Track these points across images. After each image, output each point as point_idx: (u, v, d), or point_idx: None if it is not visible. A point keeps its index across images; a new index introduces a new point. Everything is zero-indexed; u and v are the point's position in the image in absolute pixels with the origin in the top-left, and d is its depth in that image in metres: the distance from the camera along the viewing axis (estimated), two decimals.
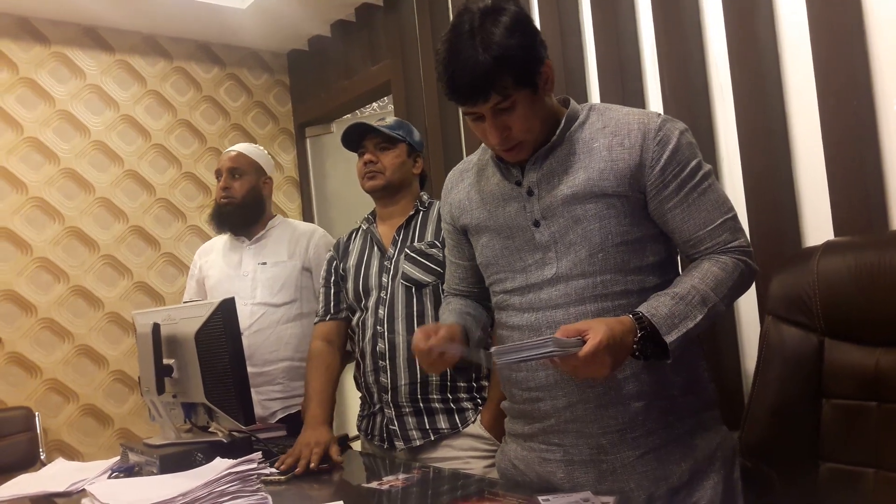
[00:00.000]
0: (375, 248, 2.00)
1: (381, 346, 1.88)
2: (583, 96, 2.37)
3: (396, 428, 1.86)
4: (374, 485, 1.54)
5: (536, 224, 1.34)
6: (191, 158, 3.74)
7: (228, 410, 1.75)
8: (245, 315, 2.27)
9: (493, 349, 1.21)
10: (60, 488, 1.70)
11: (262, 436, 1.90)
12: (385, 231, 2.02)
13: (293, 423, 2.25)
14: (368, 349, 1.91)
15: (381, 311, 1.90)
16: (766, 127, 1.88)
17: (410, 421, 1.85)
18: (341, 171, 3.95)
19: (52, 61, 3.37)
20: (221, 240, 2.54)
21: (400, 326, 1.87)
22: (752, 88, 1.91)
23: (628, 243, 1.30)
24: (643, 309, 1.21)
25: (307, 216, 4.01)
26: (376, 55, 3.44)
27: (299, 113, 4.06)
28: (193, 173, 3.74)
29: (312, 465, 1.69)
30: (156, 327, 1.83)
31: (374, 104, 3.66)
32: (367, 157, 1.98)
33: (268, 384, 2.31)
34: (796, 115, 1.85)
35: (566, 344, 1.11)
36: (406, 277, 1.89)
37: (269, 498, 1.44)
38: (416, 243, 1.93)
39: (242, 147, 2.47)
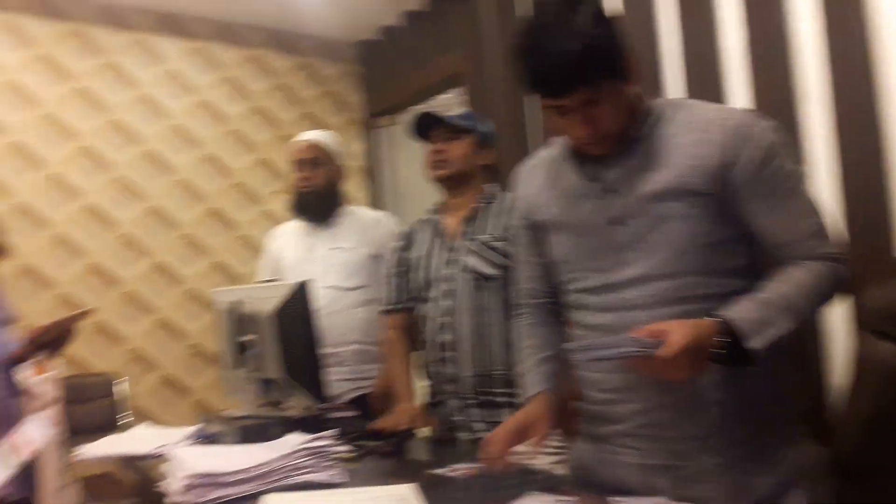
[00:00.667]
0: (441, 238, 2.01)
1: (446, 337, 1.92)
2: (656, 91, 2.33)
3: (461, 418, 1.89)
4: (443, 471, 1.57)
5: (615, 222, 1.30)
6: (266, 145, 3.85)
7: (303, 387, 1.82)
8: (317, 298, 2.34)
9: (570, 346, 1.21)
10: (144, 451, 1.80)
11: (333, 415, 1.97)
12: (451, 222, 2.02)
13: (362, 406, 2.31)
14: (434, 340, 1.95)
15: (445, 303, 1.93)
16: (860, 130, 1.81)
17: (474, 412, 1.89)
18: (411, 161, 3.99)
19: (137, 48, 3.52)
20: (294, 224, 2.61)
21: (465, 318, 1.90)
22: (846, 87, 1.83)
23: (714, 245, 1.25)
24: (727, 312, 1.16)
25: (376, 206, 4.06)
26: (448, 46, 3.45)
27: (370, 103, 4.10)
28: (268, 159, 3.85)
29: (402, 427, 1.83)
30: (235, 305, 1.91)
31: (445, 95, 3.68)
32: (434, 147, 2.01)
33: (338, 365, 2.38)
34: (893, 117, 1.78)
35: (645, 344, 1.09)
36: (470, 270, 1.91)
37: (344, 474, 1.49)
38: (481, 235, 1.93)
39: (318, 136, 2.53)
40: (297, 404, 1.87)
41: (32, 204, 3.22)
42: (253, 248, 3.76)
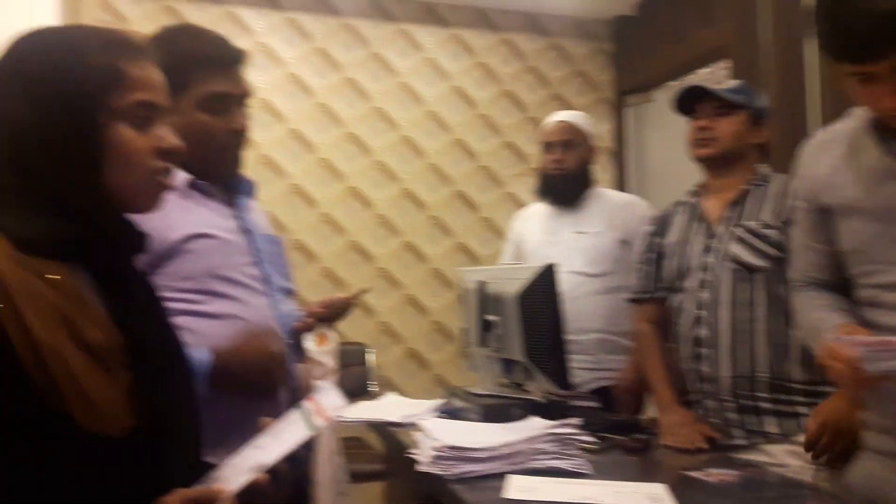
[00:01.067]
0: (700, 223, 1.83)
1: (702, 332, 1.74)
2: None
3: (717, 421, 1.72)
4: (698, 474, 1.44)
5: None
6: (511, 128, 3.88)
7: (545, 372, 1.78)
8: (561, 282, 2.29)
9: (863, 352, 1.04)
10: (394, 418, 1.89)
11: (575, 403, 1.90)
12: (713, 206, 1.83)
13: (605, 396, 2.22)
14: (687, 334, 1.78)
15: (703, 295, 1.75)
16: None
17: (733, 418, 1.70)
18: (662, 141, 3.77)
19: (398, 37, 3.73)
20: (540, 207, 2.58)
21: (724, 313, 1.71)
22: None
23: None
24: None
25: (623, 188, 3.91)
26: (712, 17, 3.19)
27: (621, 81, 3.96)
28: (513, 142, 3.88)
29: (701, 444, 1.63)
30: (481, 285, 1.93)
31: (705, 69, 3.41)
32: (700, 122, 1.81)
33: (580, 353, 2.29)
34: None
35: None
36: (734, 259, 1.71)
37: (588, 465, 1.43)
38: (749, 221, 1.73)
39: (570, 116, 2.46)
40: (538, 388, 1.84)
41: (303, 185, 3.58)
42: (494, 230, 3.83)
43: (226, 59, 1.40)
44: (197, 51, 1.36)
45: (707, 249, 1.78)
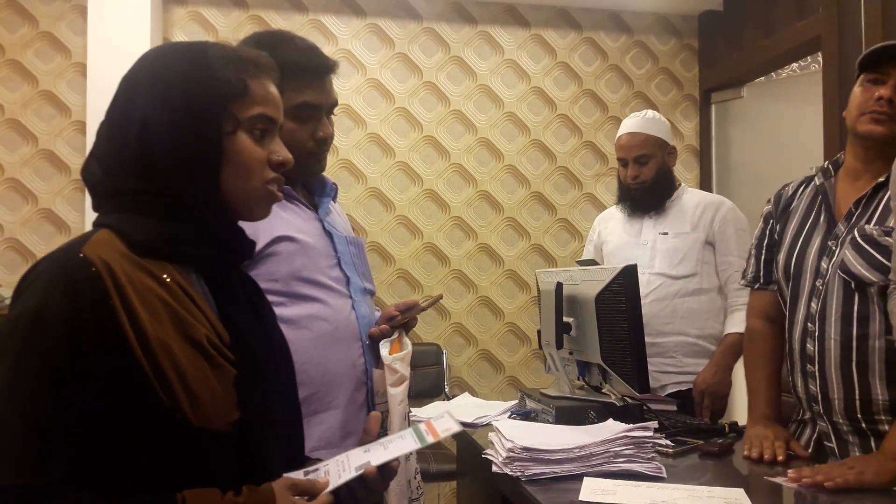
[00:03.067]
0: (825, 215, 1.58)
1: (811, 347, 1.55)
2: None
3: (834, 446, 1.54)
4: (780, 479, 1.38)
5: None
6: (591, 127, 3.83)
7: (623, 375, 1.74)
8: (642, 284, 2.22)
9: None
10: (468, 419, 1.90)
11: (653, 406, 1.86)
12: (846, 195, 1.56)
13: (684, 400, 2.16)
14: (797, 347, 1.58)
15: (813, 304, 1.54)
16: None
17: (853, 440, 1.51)
18: (748, 139, 3.63)
19: (478, 40, 3.75)
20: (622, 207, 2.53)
21: (832, 330, 1.50)
22: None
23: None
24: None
25: (705, 186, 3.79)
26: (805, 8, 3.06)
27: (706, 78, 3.84)
28: (593, 142, 3.83)
29: (780, 457, 1.49)
30: (559, 286, 1.90)
31: (795, 65, 3.26)
32: (883, 91, 1.46)
33: (660, 356, 2.25)
34: None
35: None
36: (844, 269, 1.48)
37: (663, 468, 1.40)
38: (871, 224, 1.47)
39: (639, 125, 2.34)
40: (615, 391, 1.81)
41: (382, 188, 3.64)
42: (571, 231, 3.78)
43: (317, 68, 1.42)
44: (290, 59, 1.37)
45: (824, 250, 1.55)
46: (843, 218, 1.55)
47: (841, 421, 1.52)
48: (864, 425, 1.49)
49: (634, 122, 2.37)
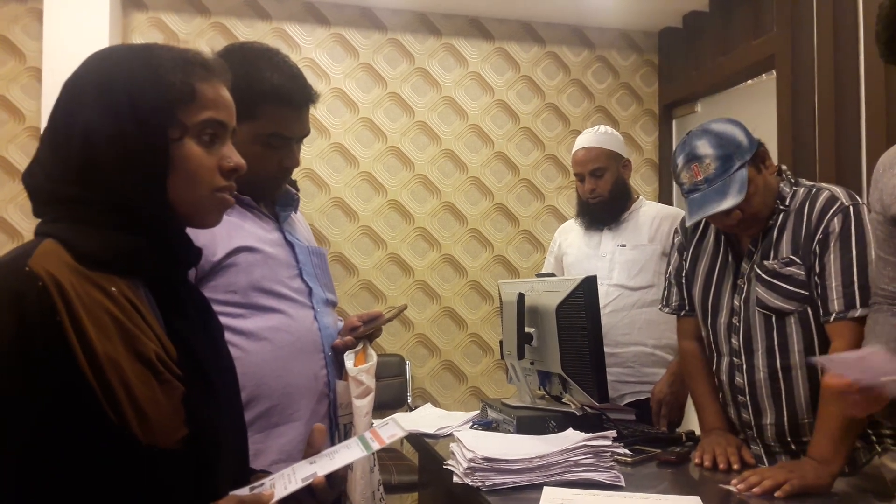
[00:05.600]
0: (732, 253, 1.67)
1: (739, 380, 1.64)
2: None
3: (766, 465, 1.61)
4: (731, 486, 1.42)
5: None
6: (554, 141, 3.88)
7: (582, 385, 1.76)
8: (601, 295, 2.25)
9: (819, 359, 1.02)
10: (429, 430, 1.90)
11: (611, 416, 1.88)
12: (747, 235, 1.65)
13: (642, 409, 2.19)
14: (725, 379, 1.68)
15: (734, 340, 1.64)
16: None
17: (784, 460, 1.60)
18: None
19: (442, 51, 3.77)
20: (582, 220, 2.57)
21: (760, 361, 1.59)
22: None
23: None
24: None
25: (665, 199, 3.87)
26: (761, 28, 3.15)
27: (665, 93, 3.93)
28: (555, 155, 3.88)
29: (735, 465, 1.55)
30: (521, 297, 1.92)
31: (749, 81, 3.36)
32: None
33: (618, 366, 2.28)
34: None
35: None
36: (762, 305, 1.58)
37: (622, 477, 1.42)
38: (770, 260, 1.57)
39: (594, 140, 2.38)
40: (575, 401, 1.83)
41: (345, 199, 3.63)
42: (534, 242, 3.82)
43: (298, 100, 1.40)
44: (272, 85, 1.35)
45: (735, 288, 1.65)
46: (745, 257, 1.63)
47: (773, 444, 1.63)
48: (793, 446, 1.60)
49: (589, 137, 2.41)
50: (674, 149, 1.64)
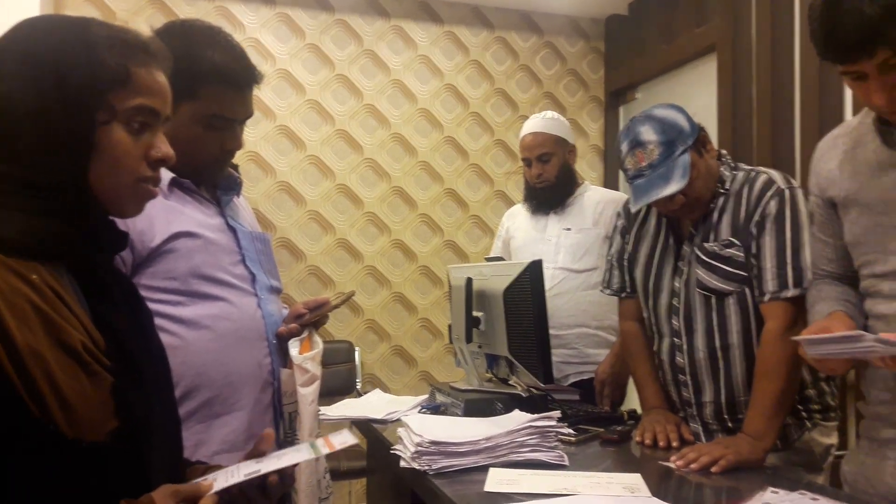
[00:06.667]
0: (673, 237, 1.71)
1: (680, 359, 1.69)
2: None
3: (704, 442, 1.66)
4: (670, 463, 1.46)
5: None
6: (503, 126, 3.90)
7: (529, 367, 1.79)
8: (547, 278, 2.28)
9: (803, 338, 1.09)
10: (378, 415, 1.90)
11: (556, 396, 1.92)
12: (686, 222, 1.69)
13: (586, 389, 2.24)
14: (666, 359, 1.73)
15: (675, 321, 1.69)
16: None
17: (721, 437, 1.65)
18: None
19: (391, 34, 3.74)
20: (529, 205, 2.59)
21: (699, 341, 1.64)
22: None
23: None
24: None
25: (611, 185, 3.93)
26: (703, 16, 3.22)
27: (611, 80, 3.98)
28: (504, 140, 3.89)
29: (674, 443, 1.60)
30: (468, 281, 1.93)
31: (691, 68, 3.43)
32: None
33: (563, 347, 2.33)
34: None
35: (894, 344, 0.96)
36: (702, 286, 1.62)
37: (566, 456, 1.44)
38: (710, 242, 1.62)
39: (541, 125, 2.42)
40: (521, 382, 1.85)
41: (292, 183, 3.58)
42: (484, 227, 3.84)
43: (241, 80, 1.36)
44: (214, 65, 1.31)
45: (676, 271, 1.69)
46: (686, 239, 1.68)
47: (711, 421, 1.68)
48: (730, 424, 1.65)
49: (536, 122, 2.45)
50: (618, 135, 1.67)
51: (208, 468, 0.96)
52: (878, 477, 1.24)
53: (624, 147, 1.61)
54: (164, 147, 0.89)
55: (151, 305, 1.25)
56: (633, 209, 1.65)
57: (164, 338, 1.25)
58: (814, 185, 1.37)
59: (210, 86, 1.32)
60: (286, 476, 0.93)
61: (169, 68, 0.91)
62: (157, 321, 1.26)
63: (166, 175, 1.35)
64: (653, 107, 1.66)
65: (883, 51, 1.05)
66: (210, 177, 1.43)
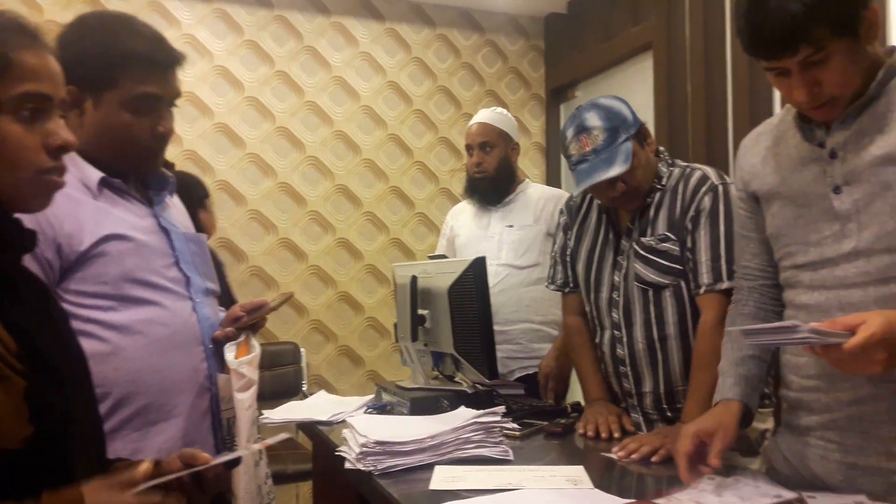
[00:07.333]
0: (612, 232, 1.75)
1: (620, 351, 1.73)
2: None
3: (645, 432, 1.71)
4: (614, 454, 1.49)
5: (837, 190, 1.17)
6: (446, 124, 3.90)
7: (474, 363, 1.79)
8: (491, 275, 2.29)
9: (742, 329, 1.12)
10: (323, 417, 1.87)
11: (501, 391, 1.93)
12: (625, 212, 1.74)
13: (530, 384, 2.26)
14: (607, 351, 1.77)
15: (614, 314, 1.73)
16: None
17: (661, 426, 1.70)
18: None
19: (332, 30, 3.69)
20: (472, 202, 2.61)
21: (638, 333, 1.69)
22: None
23: None
24: None
25: (553, 182, 3.98)
26: (639, 15, 3.29)
27: (551, 78, 4.03)
28: (448, 138, 3.90)
29: (615, 434, 1.63)
30: (413, 279, 1.93)
31: (628, 66, 3.51)
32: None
33: (507, 343, 2.35)
34: None
35: (827, 334, 0.99)
36: (640, 280, 1.67)
37: (510, 451, 1.45)
38: (646, 237, 1.66)
39: (488, 117, 2.48)
40: (466, 379, 1.86)
41: (232, 182, 3.50)
42: (429, 225, 3.84)
43: (161, 60, 1.33)
44: (130, 48, 1.28)
45: (615, 265, 1.73)
46: (624, 234, 1.73)
47: (651, 411, 1.73)
48: (669, 413, 1.70)
49: (485, 114, 2.51)
50: (564, 124, 1.71)
51: (131, 464, 0.92)
52: (803, 463, 1.27)
53: (569, 133, 1.65)
54: (62, 133, 0.84)
55: (82, 311, 1.21)
56: (576, 193, 1.69)
57: (95, 345, 1.21)
58: (738, 179, 1.41)
59: (129, 69, 1.29)
60: (221, 476, 0.91)
61: (54, 49, 0.86)
62: (89, 327, 1.21)
63: (95, 175, 1.31)
64: (598, 97, 1.71)
65: (805, 48, 1.08)
66: (146, 167, 1.39)
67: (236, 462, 0.94)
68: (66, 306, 1.20)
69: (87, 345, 1.21)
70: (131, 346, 1.25)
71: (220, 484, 0.92)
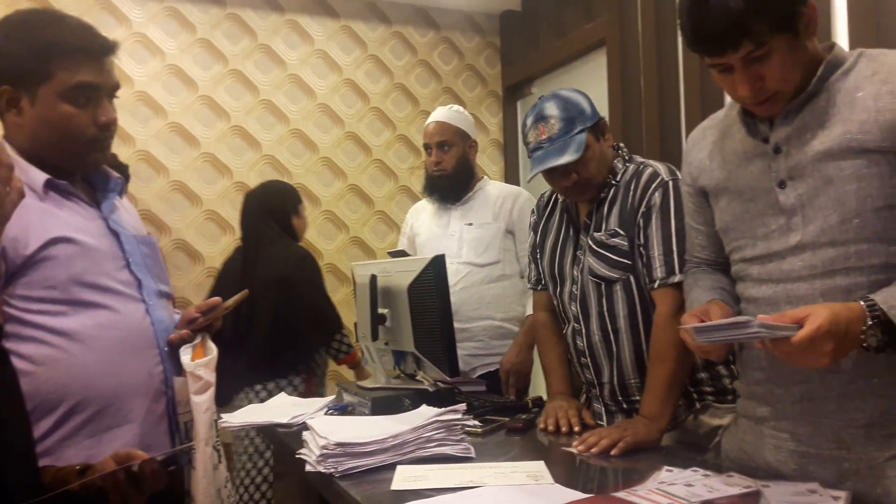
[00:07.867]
0: (572, 228, 1.80)
1: (580, 343, 1.77)
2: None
3: (605, 423, 1.75)
4: (574, 448, 1.50)
5: (781, 185, 1.20)
6: (404, 121, 3.89)
7: (435, 361, 1.80)
8: (451, 273, 2.30)
9: (692, 326, 1.14)
10: (283, 420, 1.85)
11: (463, 389, 1.93)
12: (583, 208, 1.78)
13: (492, 381, 2.28)
14: (570, 342, 1.81)
15: (574, 307, 1.77)
16: None
17: (620, 419, 1.74)
18: None
19: (286, 28, 3.65)
20: (431, 200, 2.61)
21: (594, 325, 1.73)
22: None
23: (889, 208, 1.12)
24: (879, 297, 1.05)
25: (512, 179, 4.00)
26: (592, 12, 3.32)
27: (508, 75, 4.05)
28: (406, 135, 3.88)
29: (576, 428, 1.65)
30: (373, 278, 1.92)
31: (582, 63, 3.54)
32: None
33: (469, 340, 2.36)
34: None
35: (776, 328, 1.01)
36: (593, 274, 1.71)
37: (472, 449, 1.46)
38: (599, 232, 1.70)
39: (445, 115, 2.48)
40: (428, 377, 1.85)
41: (187, 182, 3.43)
42: (389, 223, 3.82)
43: (92, 48, 1.30)
44: (60, 38, 1.26)
45: (574, 260, 1.77)
46: (582, 229, 1.77)
47: (609, 402, 1.76)
48: (625, 405, 1.74)
49: (442, 112, 2.51)
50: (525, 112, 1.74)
51: (59, 470, 0.89)
52: (759, 453, 1.30)
53: (529, 121, 1.71)
54: None
55: (30, 317, 1.18)
56: (529, 178, 1.72)
57: (45, 350, 1.17)
58: (686, 174, 1.44)
59: (61, 59, 1.26)
60: (157, 473, 0.89)
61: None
62: (37, 333, 1.18)
63: (40, 177, 1.27)
64: (560, 88, 1.75)
65: (747, 44, 1.10)
66: (92, 161, 1.36)
67: (172, 460, 0.92)
68: (13, 312, 1.17)
69: (36, 350, 1.18)
70: (83, 351, 1.22)
71: (156, 482, 0.90)
